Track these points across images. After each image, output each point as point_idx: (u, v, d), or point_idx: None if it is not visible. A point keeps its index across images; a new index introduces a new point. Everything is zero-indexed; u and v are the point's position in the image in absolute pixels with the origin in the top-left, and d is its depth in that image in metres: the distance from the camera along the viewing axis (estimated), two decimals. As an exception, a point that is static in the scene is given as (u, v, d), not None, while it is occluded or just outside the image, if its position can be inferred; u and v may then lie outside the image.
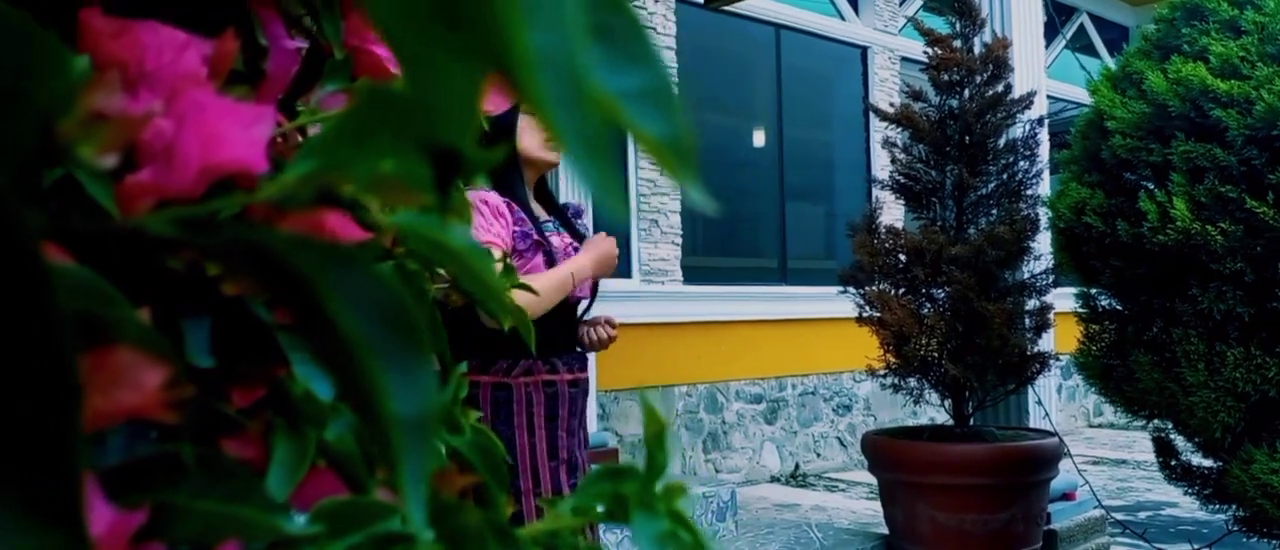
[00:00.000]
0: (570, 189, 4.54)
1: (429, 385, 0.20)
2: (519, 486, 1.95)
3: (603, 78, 0.18)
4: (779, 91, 6.72)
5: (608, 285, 5.29)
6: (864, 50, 7.18)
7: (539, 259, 1.99)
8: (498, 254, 1.93)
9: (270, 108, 0.43)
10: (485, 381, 1.99)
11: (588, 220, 2.36)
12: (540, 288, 1.92)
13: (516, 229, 1.98)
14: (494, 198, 2.00)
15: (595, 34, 0.19)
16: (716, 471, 6.01)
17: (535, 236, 1.99)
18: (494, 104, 0.58)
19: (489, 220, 1.95)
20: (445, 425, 0.71)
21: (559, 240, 2.07)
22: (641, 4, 5.72)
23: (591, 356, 4.50)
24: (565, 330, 2.06)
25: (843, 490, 6.07)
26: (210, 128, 0.41)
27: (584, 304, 2.14)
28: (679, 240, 5.91)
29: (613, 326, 2.13)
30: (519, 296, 1.95)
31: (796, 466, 6.52)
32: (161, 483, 0.28)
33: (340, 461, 0.42)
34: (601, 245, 2.08)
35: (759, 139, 6.75)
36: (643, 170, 5.73)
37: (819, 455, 6.66)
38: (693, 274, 5.99)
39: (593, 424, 4.67)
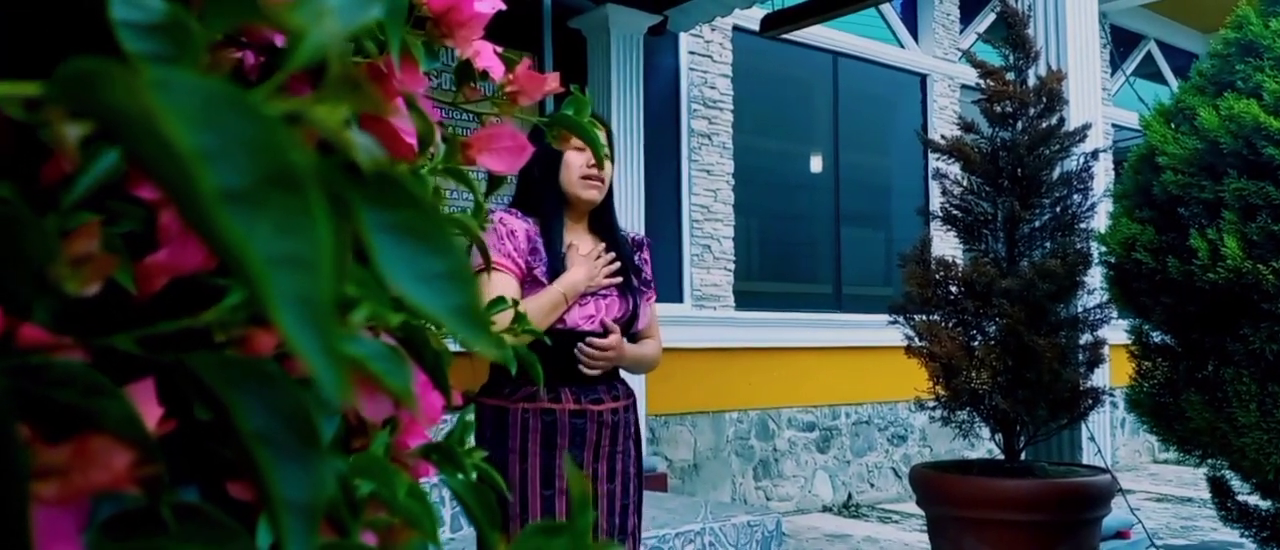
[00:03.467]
0: (624, 223, 4.59)
1: (318, 476, 0.25)
2: (508, 511, 1.98)
3: (407, 266, 0.23)
4: (836, 118, 6.72)
5: (659, 309, 5.32)
6: (923, 78, 7.16)
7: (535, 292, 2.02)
8: (508, 275, 1.98)
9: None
10: (487, 404, 2.05)
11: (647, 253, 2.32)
12: (529, 308, 1.95)
13: (528, 260, 2.01)
14: (511, 220, 2.04)
15: (401, 230, 0.23)
16: (767, 500, 6.00)
17: (539, 274, 2.02)
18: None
19: (500, 239, 2.00)
20: (450, 464, 0.76)
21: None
22: (699, 32, 5.78)
23: (637, 386, 4.54)
24: (577, 361, 2.05)
25: (896, 522, 6.02)
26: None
27: (611, 336, 2.12)
28: (732, 265, 5.94)
29: (602, 345, 2.05)
30: (505, 318, 1.97)
31: (849, 496, 6.48)
32: (145, 533, 0.33)
33: (326, 507, 0.47)
34: (585, 260, 2.08)
35: (816, 165, 6.75)
36: (696, 196, 5.77)
37: (873, 486, 6.61)
38: (745, 299, 6.00)
39: (644, 449, 4.71)
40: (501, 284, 1.98)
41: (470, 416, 0.78)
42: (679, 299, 5.66)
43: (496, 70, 0.83)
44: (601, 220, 2.18)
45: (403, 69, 0.70)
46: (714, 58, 5.94)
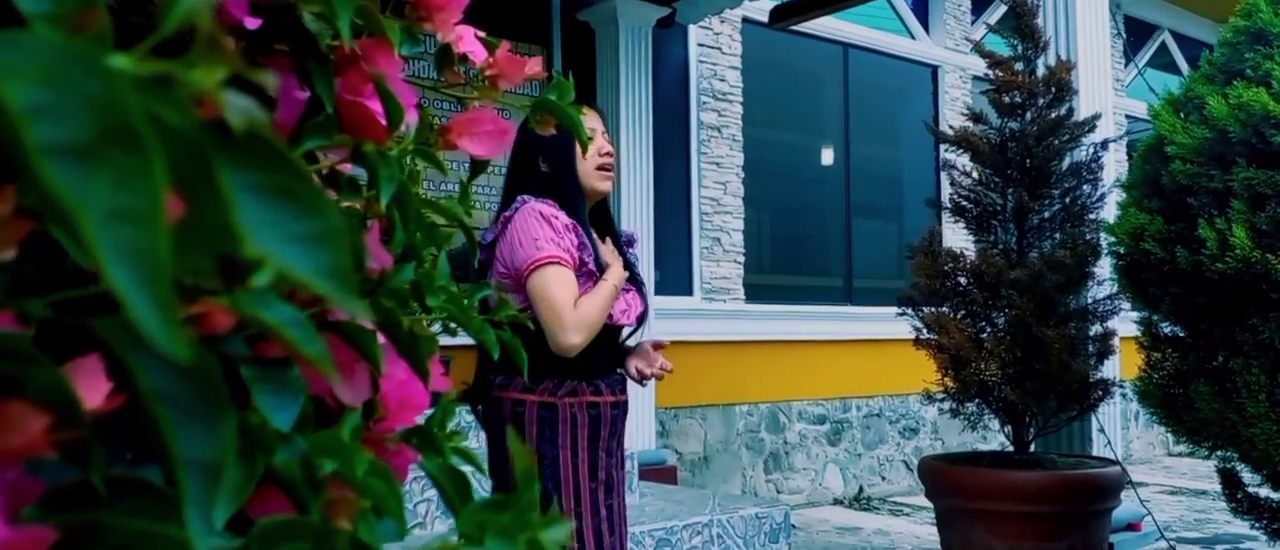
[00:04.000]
0: (630, 214, 4.59)
1: (221, 436, 0.25)
2: (561, 506, 1.98)
3: (275, 228, 0.23)
4: (846, 110, 6.70)
5: (669, 302, 5.33)
6: (935, 69, 7.12)
7: (589, 285, 2.02)
8: (569, 270, 1.97)
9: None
10: (531, 401, 2.01)
11: (643, 248, 2.35)
12: (599, 305, 1.97)
13: (581, 255, 2.01)
14: (562, 214, 2.02)
15: (270, 192, 0.23)
16: (778, 492, 5.99)
17: (592, 266, 2.02)
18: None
19: (559, 234, 1.98)
20: (430, 448, 0.77)
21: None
22: (708, 24, 5.77)
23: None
24: (608, 352, 2.08)
25: (908, 515, 6.00)
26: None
27: (627, 329, 2.14)
28: (741, 259, 5.93)
29: (666, 364, 2.10)
30: (583, 307, 1.97)
31: (860, 489, 6.47)
32: (86, 505, 0.33)
33: (287, 484, 0.47)
34: (615, 255, 2.11)
35: (826, 157, 6.73)
36: (705, 189, 5.77)
37: (884, 478, 6.60)
38: (756, 292, 5.99)
39: (651, 441, 4.71)
40: (568, 279, 1.95)
41: (453, 402, 0.79)
42: (688, 292, 5.66)
43: (478, 55, 0.84)
44: (604, 213, 2.18)
45: (376, 51, 0.70)
46: (723, 50, 5.92)
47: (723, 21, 5.87)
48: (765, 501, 4.09)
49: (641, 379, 2.11)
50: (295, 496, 0.47)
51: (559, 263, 1.95)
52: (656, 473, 4.52)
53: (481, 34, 0.85)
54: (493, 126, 0.82)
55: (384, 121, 0.68)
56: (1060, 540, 3.33)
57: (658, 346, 2.13)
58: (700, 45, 5.81)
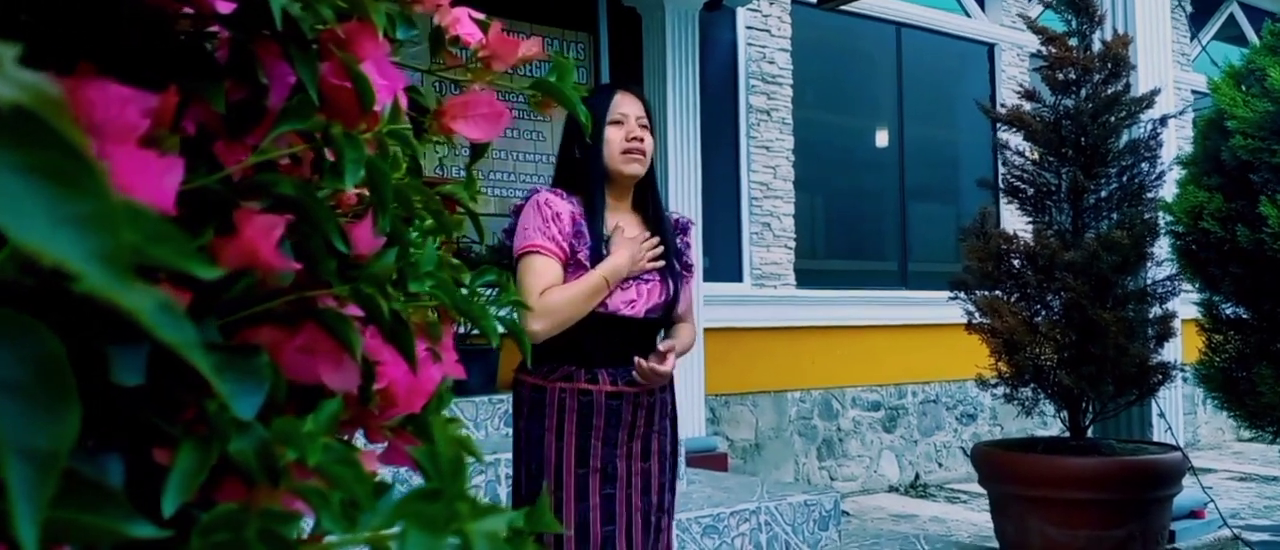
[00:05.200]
0: (678, 200, 4.56)
1: (63, 427, 0.24)
2: (543, 487, 1.98)
3: (40, 209, 0.22)
4: (900, 90, 6.59)
5: (718, 289, 5.30)
6: (991, 47, 6.97)
7: (580, 276, 2.00)
8: (551, 258, 1.97)
9: (179, 160, 0.48)
10: (526, 381, 2.05)
11: (697, 234, 2.26)
12: (569, 296, 1.95)
13: (572, 244, 2.00)
14: (557, 201, 2.02)
15: (34, 171, 0.22)
16: (831, 479, 5.94)
17: (582, 257, 2.00)
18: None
19: (545, 222, 1.99)
20: (422, 435, 0.76)
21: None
22: (757, 6, 5.71)
23: (696, 365, 4.52)
24: (616, 343, 2.02)
25: (964, 502, 5.91)
26: (119, 180, 0.46)
27: (668, 360, 2.07)
28: (792, 243, 5.86)
29: (664, 362, 2.03)
30: (550, 296, 1.97)
31: (916, 476, 6.38)
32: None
33: (243, 472, 0.47)
34: (630, 243, 2.05)
35: (881, 139, 6.63)
36: (755, 173, 5.72)
37: (941, 465, 6.50)
38: (807, 278, 5.93)
39: (701, 428, 4.69)
40: (544, 267, 1.97)
41: (449, 389, 0.78)
42: (738, 278, 5.61)
43: (474, 38, 0.82)
44: (645, 198, 2.15)
45: (360, 35, 0.69)
46: (772, 32, 5.85)
47: (772, 3, 5.81)
48: (814, 488, 4.05)
49: (642, 377, 2.04)
50: (252, 485, 0.46)
51: (538, 251, 1.98)
52: (706, 460, 4.50)
53: (480, 16, 0.84)
54: (488, 109, 0.80)
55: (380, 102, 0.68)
56: (1119, 528, 3.24)
57: (665, 352, 2.06)
58: (748, 27, 5.75)
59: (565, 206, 2.02)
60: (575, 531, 1.95)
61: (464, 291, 0.83)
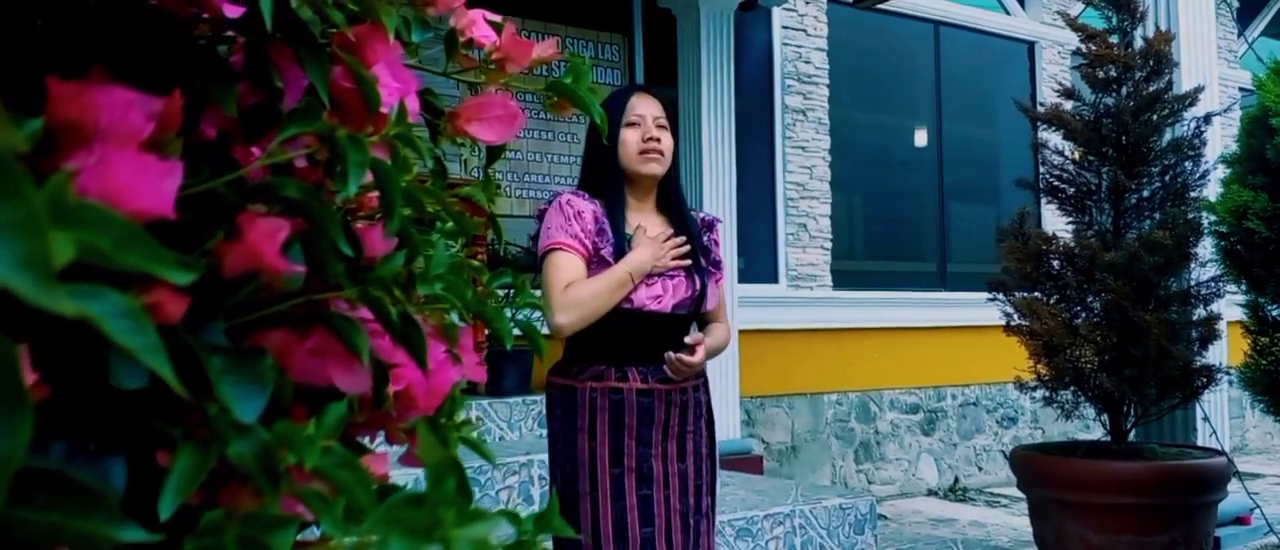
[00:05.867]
0: (712, 201, 4.55)
1: (15, 433, 0.23)
2: (578, 487, 1.97)
3: None
4: (938, 89, 6.52)
5: (753, 290, 5.27)
6: (1031, 45, 6.88)
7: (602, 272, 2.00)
8: (574, 255, 1.98)
9: (178, 163, 0.48)
10: (557, 383, 2.05)
11: (725, 235, 2.25)
12: (594, 289, 1.95)
13: (594, 242, 2.00)
14: (578, 201, 2.03)
15: None
16: (868, 483, 5.89)
17: (606, 253, 2.00)
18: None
19: (567, 220, 1.99)
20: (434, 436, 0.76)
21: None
22: (793, 6, 5.68)
23: (730, 368, 4.49)
24: (645, 340, 2.02)
25: (1005, 506, 5.83)
26: (117, 183, 0.46)
27: (698, 352, 2.05)
28: (828, 244, 5.82)
29: (692, 354, 2.01)
30: (574, 290, 1.98)
31: (956, 480, 6.30)
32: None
33: (243, 476, 0.47)
34: (654, 241, 2.04)
35: (919, 139, 6.56)
36: (790, 174, 5.68)
37: (980, 469, 6.42)
38: (844, 279, 5.89)
39: (736, 431, 4.67)
40: (567, 263, 1.98)
41: (461, 390, 0.78)
42: (774, 279, 5.58)
43: (489, 40, 0.82)
44: (667, 198, 2.15)
45: (371, 38, 0.69)
46: (808, 31, 5.82)
47: (808, 3, 5.78)
48: (850, 492, 4.02)
49: (672, 371, 2.03)
50: (253, 488, 0.46)
51: (562, 248, 1.99)
52: (741, 462, 4.48)
53: (497, 19, 0.83)
54: (502, 111, 0.80)
55: (386, 105, 0.68)
56: (1161, 534, 3.18)
57: (694, 345, 2.04)
58: (784, 27, 5.72)
59: (587, 206, 2.03)
60: (614, 531, 1.94)
61: (479, 294, 0.83)
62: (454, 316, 0.79)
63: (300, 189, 0.54)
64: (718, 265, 2.21)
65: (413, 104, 0.72)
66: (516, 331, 0.84)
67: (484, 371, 0.86)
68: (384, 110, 0.62)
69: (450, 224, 0.93)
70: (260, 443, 0.47)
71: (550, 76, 0.83)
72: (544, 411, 2.05)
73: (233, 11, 0.61)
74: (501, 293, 0.85)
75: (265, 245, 0.52)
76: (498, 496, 3.24)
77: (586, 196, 2.06)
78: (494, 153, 0.84)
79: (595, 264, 2.01)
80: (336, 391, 0.64)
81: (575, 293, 1.95)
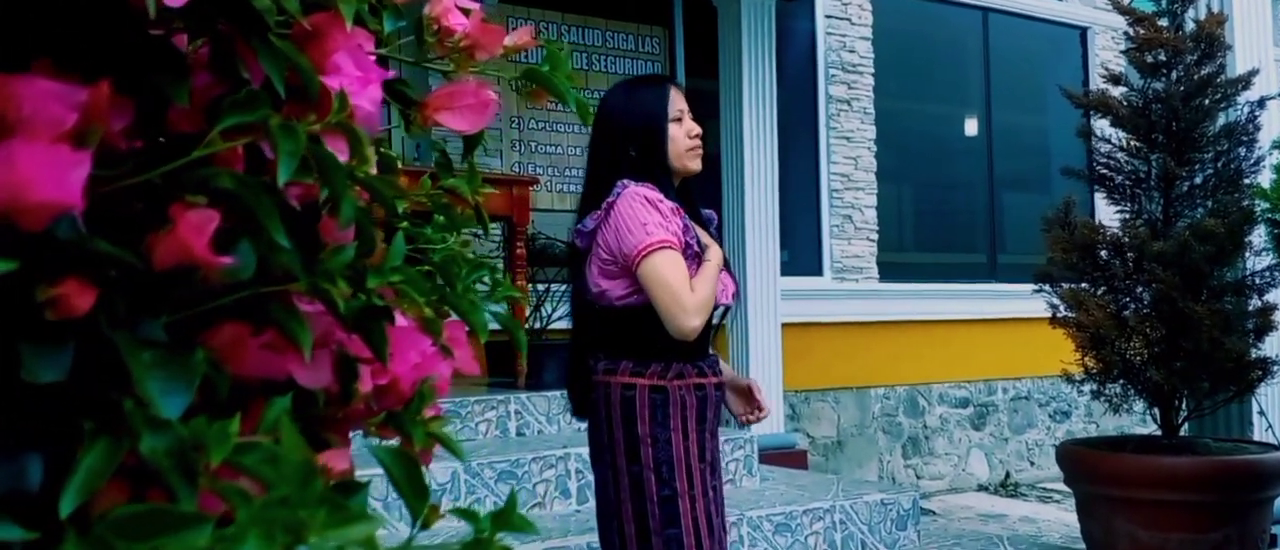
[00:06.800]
0: (754, 194, 4.51)
1: None
2: (676, 487, 1.95)
3: None
4: (987, 77, 6.40)
5: (797, 283, 5.22)
6: (1083, 31, 6.72)
7: (694, 268, 1.99)
8: (678, 253, 1.93)
9: (87, 155, 0.48)
10: (641, 384, 1.98)
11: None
12: (711, 289, 1.97)
13: (686, 238, 1.98)
14: (657, 195, 1.98)
15: None
16: (917, 478, 5.81)
17: (696, 248, 2.00)
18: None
19: (667, 218, 1.95)
20: (399, 432, 0.75)
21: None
22: (841, 1, 5.61)
23: (775, 362, 4.45)
24: (704, 333, 2.03)
25: (1057, 501, 5.71)
26: (22, 174, 0.45)
27: (720, 310, 2.11)
28: (875, 236, 5.74)
29: (767, 410, 2.26)
30: (700, 291, 1.97)
31: (1007, 475, 6.19)
32: None
33: (153, 473, 0.46)
34: (711, 236, 2.10)
35: (969, 128, 6.45)
36: (835, 164, 5.62)
37: (1032, 464, 6.30)
38: (891, 271, 5.80)
39: (780, 425, 4.62)
40: (679, 263, 1.94)
41: (432, 386, 0.76)
42: (818, 272, 5.52)
43: (461, 28, 0.81)
44: (687, 192, 2.13)
45: (329, 26, 0.68)
46: (852, 20, 5.74)
47: (852, -8, 5.70)
48: (893, 487, 3.96)
49: (743, 422, 2.28)
50: (164, 486, 0.45)
51: (670, 247, 1.93)
52: (784, 457, 4.43)
53: (472, 6, 0.82)
54: (473, 99, 0.79)
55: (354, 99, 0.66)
56: (1213, 531, 3.08)
57: (755, 390, 2.24)
58: (827, 16, 5.65)
59: (666, 201, 1.98)
60: (707, 526, 1.96)
61: (456, 287, 0.82)
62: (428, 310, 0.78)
63: (233, 179, 0.54)
64: None
65: (375, 93, 0.71)
66: (493, 325, 0.82)
67: (478, 365, 0.85)
68: (365, 103, 0.61)
69: (441, 217, 0.92)
70: (176, 438, 0.46)
71: (520, 63, 0.81)
72: (611, 413, 1.97)
73: (175, 2, 0.60)
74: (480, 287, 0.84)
75: (194, 238, 0.51)
76: (534, 490, 3.24)
77: (660, 191, 2.01)
78: (470, 142, 0.82)
79: (690, 259, 1.98)
80: (295, 386, 0.63)
81: (701, 293, 1.94)
